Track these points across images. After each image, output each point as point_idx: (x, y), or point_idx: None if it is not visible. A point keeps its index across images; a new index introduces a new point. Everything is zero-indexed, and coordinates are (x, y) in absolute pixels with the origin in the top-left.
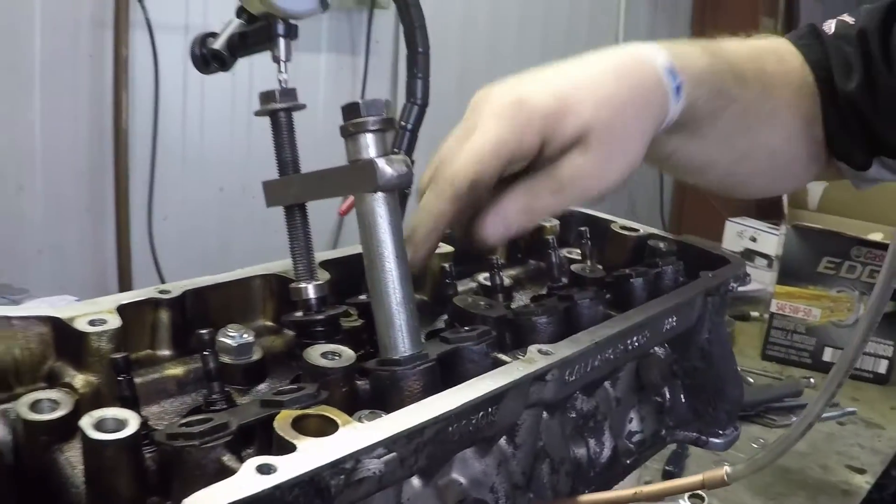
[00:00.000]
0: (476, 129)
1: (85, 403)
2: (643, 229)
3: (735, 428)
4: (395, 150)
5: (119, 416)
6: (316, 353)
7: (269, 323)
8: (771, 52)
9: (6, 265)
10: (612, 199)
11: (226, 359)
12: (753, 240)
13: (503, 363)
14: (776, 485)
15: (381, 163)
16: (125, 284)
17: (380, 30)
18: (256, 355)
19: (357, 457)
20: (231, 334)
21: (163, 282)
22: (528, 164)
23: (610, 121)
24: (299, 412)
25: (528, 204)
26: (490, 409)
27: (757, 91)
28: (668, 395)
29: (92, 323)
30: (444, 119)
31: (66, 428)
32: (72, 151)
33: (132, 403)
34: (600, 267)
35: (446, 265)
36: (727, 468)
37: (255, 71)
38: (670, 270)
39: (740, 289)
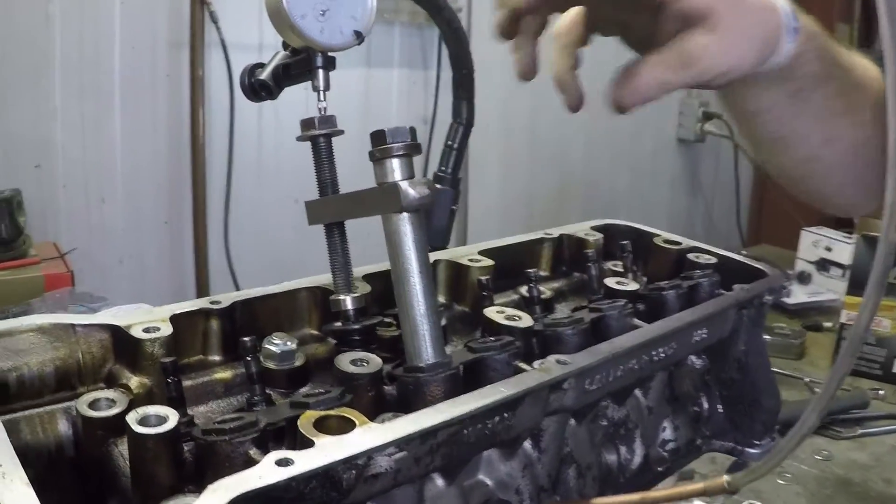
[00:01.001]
0: None
1: (139, 403)
2: (685, 242)
3: (772, 438)
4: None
5: (161, 413)
6: (346, 360)
7: (314, 331)
8: (857, 55)
9: (89, 273)
10: (690, 206)
11: (270, 364)
12: (829, 249)
13: (519, 373)
14: (837, 497)
15: (405, 186)
16: (202, 292)
17: None
18: (299, 361)
19: (370, 454)
20: (276, 342)
21: (238, 290)
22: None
23: (735, 7)
24: (322, 413)
25: (659, 75)
26: (506, 415)
27: (852, 78)
28: (705, 405)
29: (147, 330)
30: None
31: (120, 424)
32: (151, 166)
33: (179, 403)
34: (638, 280)
35: (483, 278)
36: (726, 476)
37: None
38: (706, 283)
39: (812, 299)
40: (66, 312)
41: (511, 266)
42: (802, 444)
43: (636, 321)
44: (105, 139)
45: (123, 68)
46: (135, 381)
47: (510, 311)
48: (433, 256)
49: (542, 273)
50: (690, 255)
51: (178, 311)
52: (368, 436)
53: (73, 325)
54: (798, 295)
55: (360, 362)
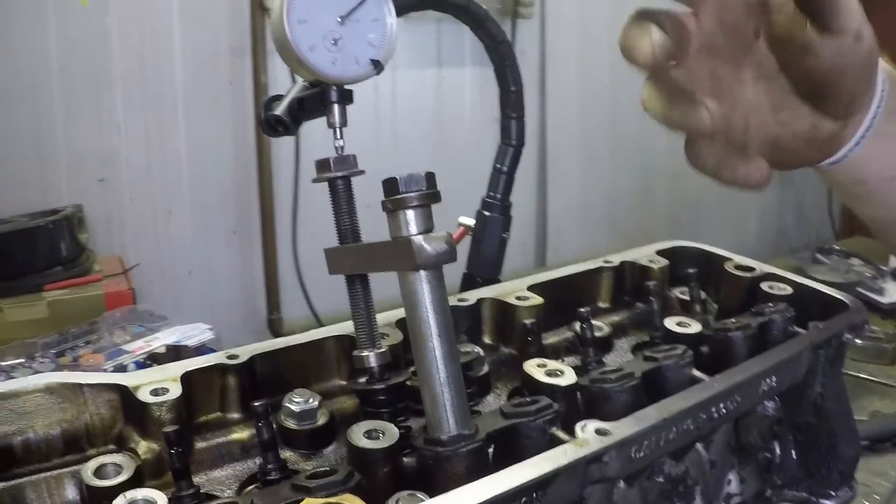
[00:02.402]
0: None
1: (147, 468)
2: (759, 268)
3: (850, 488)
4: (491, 193)
5: (150, 498)
6: (359, 433)
7: (344, 383)
8: None
9: (159, 286)
10: (781, 197)
11: (290, 424)
12: None
13: (561, 442)
14: None
15: (419, 241)
16: (273, 302)
17: (524, 40)
18: (322, 420)
19: None
20: (296, 400)
21: (308, 300)
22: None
23: None
24: (321, 501)
25: None
26: (535, 495)
27: None
28: (777, 451)
29: (154, 392)
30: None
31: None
32: (217, 175)
33: (183, 475)
34: (708, 310)
35: (528, 322)
36: None
37: (399, 88)
38: (779, 320)
39: None
40: (126, 332)
41: (566, 299)
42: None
43: (695, 373)
44: (170, 150)
45: (185, 78)
46: (143, 446)
47: (553, 364)
48: (479, 293)
49: (603, 304)
50: (764, 285)
51: (191, 368)
52: None
53: (80, 385)
54: (892, 293)
55: (374, 434)
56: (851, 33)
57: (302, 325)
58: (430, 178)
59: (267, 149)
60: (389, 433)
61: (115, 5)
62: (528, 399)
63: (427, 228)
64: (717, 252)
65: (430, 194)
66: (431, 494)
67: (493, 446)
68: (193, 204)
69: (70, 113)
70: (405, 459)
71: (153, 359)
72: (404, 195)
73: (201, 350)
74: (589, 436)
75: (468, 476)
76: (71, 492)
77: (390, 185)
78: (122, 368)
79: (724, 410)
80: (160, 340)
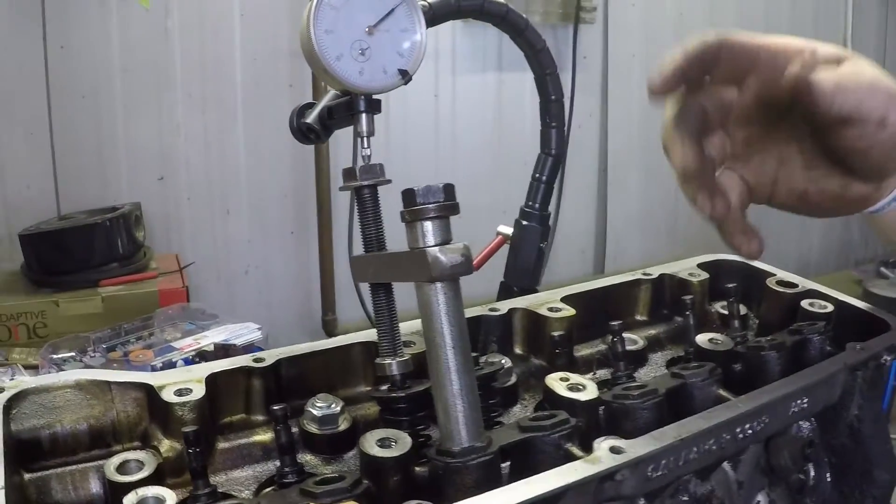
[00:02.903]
0: None
1: (168, 465)
2: (802, 285)
3: None
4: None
5: (159, 495)
6: (372, 440)
7: (369, 388)
8: None
9: (215, 284)
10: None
11: (312, 428)
12: None
13: (574, 458)
14: None
15: (435, 252)
16: (328, 303)
17: (587, 45)
18: (344, 425)
19: None
20: (318, 405)
21: (362, 302)
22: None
23: None
24: None
25: None
26: None
27: None
28: (811, 473)
29: (178, 393)
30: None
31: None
32: (275, 176)
33: (200, 474)
34: (748, 326)
35: (556, 334)
36: None
37: (458, 93)
38: (816, 340)
39: None
40: (177, 329)
41: (603, 311)
42: None
43: (721, 392)
44: (229, 151)
45: (245, 79)
46: (166, 444)
47: (575, 378)
48: (512, 303)
49: (640, 317)
50: (804, 303)
51: (216, 370)
52: None
53: (108, 383)
54: None
55: (387, 442)
56: (874, 121)
57: (356, 327)
58: (449, 189)
59: (325, 151)
60: (402, 442)
61: (177, 8)
62: (546, 413)
63: (444, 240)
64: (760, 267)
65: (447, 206)
66: None
67: (509, 460)
68: (251, 204)
69: (131, 113)
70: (418, 469)
71: (201, 356)
72: (421, 206)
73: (249, 349)
74: (602, 453)
75: (478, 488)
76: (95, 486)
77: (408, 197)
78: (171, 365)
79: (749, 431)
80: (209, 339)
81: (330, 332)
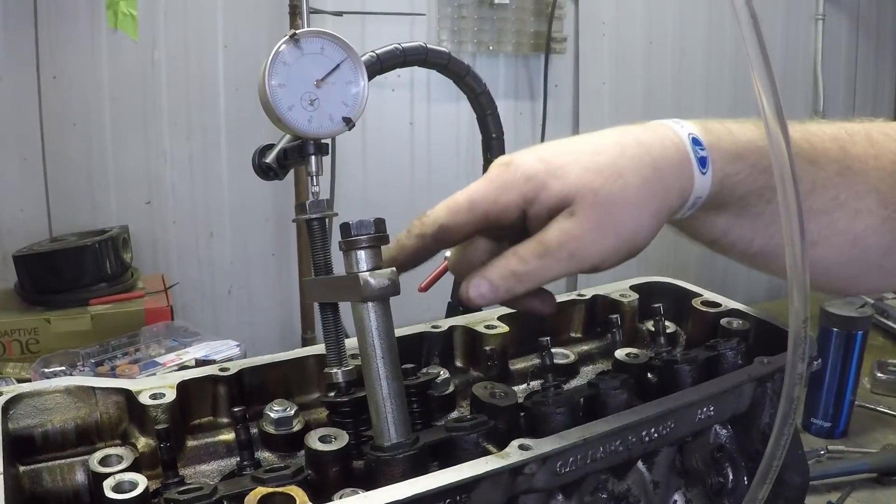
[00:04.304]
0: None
1: (145, 460)
2: (725, 304)
3: None
4: None
5: (134, 480)
6: (315, 437)
7: (321, 395)
8: (862, 133)
9: (200, 303)
10: None
11: (270, 429)
12: None
13: (488, 454)
14: None
15: (365, 276)
16: (307, 322)
17: (558, 74)
18: (297, 427)
19: None
20: (276, 409)
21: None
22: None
23: (601, 187)
24: (269, 490)
25: (513, 267)
26: (459, 497)
27: (831, 172)
28: (730, 476)
29: (153, 396)
30: None
31: None
32: (257, 201)
33: (170, 466)
34: (677, 343)
35: (488, 348)
36: None
37: (433, 120)
38: (729, 354)
39: None
40: (161, 346)
41: (539, 328)
42: None
43: (632, 400)
44: (213, 176)
45: (228, 108)
46: (142, 441)
47: (501, 387)
48: (452, 321)
49: (574, 334)
50: (723, 321)
51: (186, 378)
52: None
53: (93, 388)
54: None
55: (328, 438)
56: (562, 258)
57: None
58: (379, 223)
59: (304, 178)
60: (341, 438)
61: (164, 40)
62: (469, 416)
63: (375, 266)
64: (688, 288)
65: (377, 237)
66: None
67: (436, 457)
68: (234, 227)
69: (120, 140)
70: (356, 463)
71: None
72: (355, 238)
73: None
74: (512, 450)
75: (404, 478)
76: (80, 476)
77: (345, 229)
78: None
79: (655, 434)
80: (190, 354)
81: None
